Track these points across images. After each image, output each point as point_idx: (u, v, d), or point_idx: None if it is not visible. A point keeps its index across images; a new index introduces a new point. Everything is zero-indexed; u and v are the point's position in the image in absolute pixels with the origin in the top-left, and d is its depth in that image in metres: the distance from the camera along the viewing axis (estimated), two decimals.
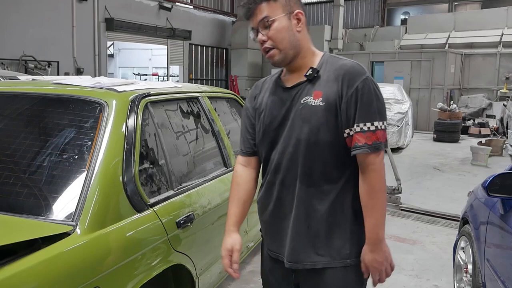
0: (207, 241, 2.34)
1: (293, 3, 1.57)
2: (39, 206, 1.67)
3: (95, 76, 12.35)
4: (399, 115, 9.67)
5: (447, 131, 11.05)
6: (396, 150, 9.27)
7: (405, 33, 16.51)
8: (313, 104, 1.53)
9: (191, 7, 17.50)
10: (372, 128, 1.49)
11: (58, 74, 11.93)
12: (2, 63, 10.45)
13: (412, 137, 10.87)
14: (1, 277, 1.29)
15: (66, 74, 12.22)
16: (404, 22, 19.33)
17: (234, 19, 18.99)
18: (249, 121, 1.74)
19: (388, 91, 10.72)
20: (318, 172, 1.55)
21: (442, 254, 3.97)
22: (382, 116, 1.52)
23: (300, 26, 1.58)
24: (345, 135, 1.52)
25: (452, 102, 12.82)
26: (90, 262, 1.56)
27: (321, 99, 1.52)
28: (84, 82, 2.22)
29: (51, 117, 2.02)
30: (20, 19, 10.85)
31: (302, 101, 1.55)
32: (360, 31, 17.79)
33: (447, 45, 14.80)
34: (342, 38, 17.04)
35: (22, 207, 1.67)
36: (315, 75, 1.56)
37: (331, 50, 16.85)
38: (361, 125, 1.49)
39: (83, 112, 1.95)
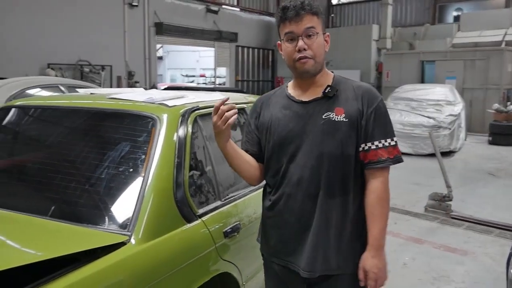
0: (253, 249, 2.39)
1: (324, 26, 1.72)
2: (98, 216, 1.78)
3: (145, 78, 12.78)
4: (450, 117, 9.35)
5: (503, 133, 10.57)
6: (447, 154, 8.99)
7: (458, 30, 15.92)
8: (336, 119, 1.66)
9: (238, 9, 17.70)
10: (392, 143, 1.69)
11: (111, 78, 12.43)
12: (60, 68, 11.03)
13: (465, 140, 10.49)
14: (70, 282, 1.40)
15: (119, 77, 12.72)
16: (457, 19, 18.63)
17: None
18: (252, 136, 1.84)
19: (439, 92, 10.41)
20: (339, 184, 1.68)
21: (495, 266, 3.83)
22: (394, 134, 1.72)
23: (327, 47, 1.73)
24: (361, 149, 1.68)
25: (509, 103, 12.23)
26: (143, 270, 1.65)
27: (343, 115, 1.66)
28: (137, 96, 2.33)
29: (107, 131, 2.15)
30: (76, 26, 11.40)
31: (323, 117, 1.67)
32: (410, 30, 17.31)
33: (503, 43, 14.12)
34: (391, 37, 16.67)
35: (82, 217, 1.79)
36: (335, 93, 1.69)
37: (379, 50, 16.53)
38: (383, 141, 1.67)
39: (136, 126, 2.06)
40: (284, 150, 1.72)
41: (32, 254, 1.56)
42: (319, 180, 1.67)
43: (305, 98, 1.73)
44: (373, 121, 1.66)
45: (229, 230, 2.12)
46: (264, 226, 1.85)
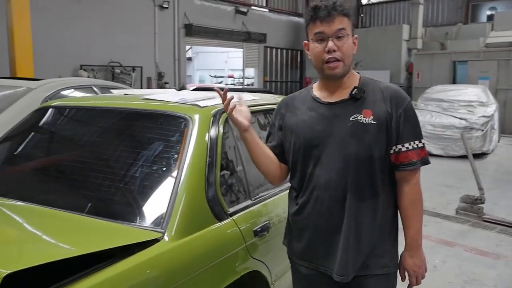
0: (282, 249, 2.41)
1: (353, 28, 1.71)
2: (132, 214, 1.84)
3: (175, 79, 12.93)
4: (483, 119, 9.13)
5: None
6: (480, 155, 8.78)
7: (492, 30, 15.50)
8: (364, 122, 1.64)
9: (267, 10, 17.72)
10: (420, 145, 1.68)
11: (141, 79, 12.66)
12: (92, 69, 11.30)
13: (498, 142, 10.23)
14: (107, 276, 1.46)
15: (149, 78, 12.94)
16: (490, 18, 18.14)
17: None
18: (275, 137, 1.86)
19: (472, 93, 10.18)
20: (368, 186, 1.67)
21: None
22: (422, 135, 1.72)
23: (355, 50, 1.71)
24: (392, 151, 1.67)
25: None
26: (176, 266, 1.69)
27: (372, 117, 1.64)
28: (170, 97, 2.39)
29: (141, 131, 2.21)
30: (107, 28, 11.64)
31: (351, 119, 1.65)
32: (441, 29, 16.96)
33: None
34: (422, 37, 16.39)
35: (117, 214, 1.85)
36: (362, 94, 1.66)
37: (409, 50, 16.27)
38: (412, 143, 1.66)
39: (170, 126, 2.12)
40: (311, 152, 1.70)
41: (70, 249, 1.61)
42: (346, 182, 1.65)
43: (332, 99, 1.71)
44: (403, 123, 1.65)
45: (259, 229, 2.14)
46: (292, 230, 1.86)
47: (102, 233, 1.74)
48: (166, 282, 1.64)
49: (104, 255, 1.51)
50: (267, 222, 2.21)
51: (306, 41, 1.73)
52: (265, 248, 2.19)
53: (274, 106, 2.73)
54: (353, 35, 1.69)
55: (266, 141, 1.91)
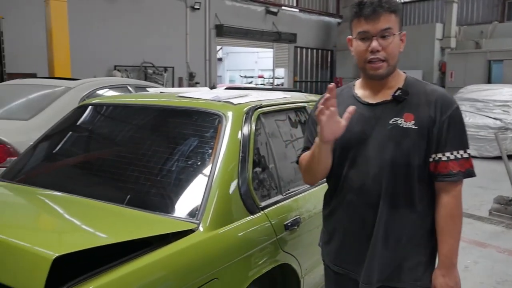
0: (312, 243, 2.45)
1: (401, 24, 1.59)
2: (168, 205, 1.93)
3: (205, 79, 13.08)
4: None
5: None
6: None
7: None
8: (404, 126, 1.54)
9: (297, 10, 17.71)
10: (465, 155, 1.56)
11: (173, 79, 12.89)
12: (125, 70, 11.59)
13: None
14: (147, 262, 1.54)
15: (180, 78, 13.15)
16: None
17: (339, 20, 18.83)
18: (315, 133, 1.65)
19: (508, 92, 9.92)
20: (403, 195, 1.58)
21: None
22: (468, 145, 1.59)
23: (402, 47, 1.61)
24: (431, 159, 1.57)
25: None
26: (210, 256, 1.77)
27: (413, 122, 1.54)
28: (204, 95, 2.48)
29: (177, 127, 2.30)
30: (140, 30, 11.91)
31: (391, 122, 1.56)
32: (476, 28, 16.55)
33: None
34: (455, 36, 16.05)
35: (155, 205, 1.94)
36: (406, 97, 1.57)
37: (442, 49, 15.96)
38: (455, 152, 1.54)
39: (204, 123, 2.20)
40: (347, 154, 1.63)
41: (111, 237, 1.69)
42: (380, 189, 1.57)
43: (373, 100, 1.62)
44: (446, 130, 1.53)
45: (290, 223, 2.20)
46: (324, 232, 1.85)
47: (141, 223, 1.84)
48: (201, 270, 1.71)
49: (143, 243, 1.60)
50: (297, 216, 2.27)
51: (350, 37, 1.62)
52: (295, 242, 2.25)
53: (304, 104, 2.79)
54: (400, 32, 1.57)
55: (305, 140, 1.81)
